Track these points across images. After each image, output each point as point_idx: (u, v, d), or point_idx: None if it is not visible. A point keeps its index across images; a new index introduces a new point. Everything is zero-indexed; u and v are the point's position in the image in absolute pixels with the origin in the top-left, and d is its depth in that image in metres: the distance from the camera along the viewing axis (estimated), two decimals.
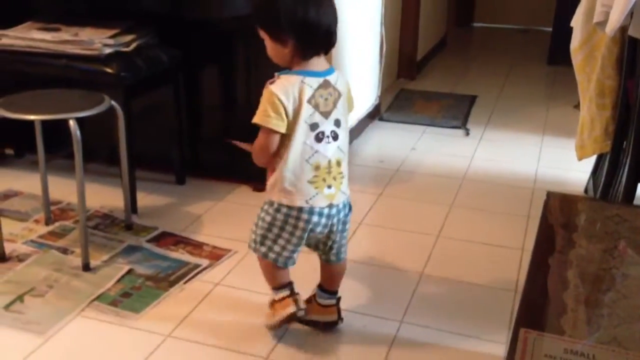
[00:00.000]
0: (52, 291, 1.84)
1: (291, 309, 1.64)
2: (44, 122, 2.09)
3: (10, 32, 2.25)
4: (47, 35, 2.19)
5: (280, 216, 1.57)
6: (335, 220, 1.60)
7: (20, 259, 2.00)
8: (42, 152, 2.18)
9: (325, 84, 1.52)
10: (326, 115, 1.53)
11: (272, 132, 1.49)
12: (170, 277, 1.94)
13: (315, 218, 1.56)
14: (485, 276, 2.01)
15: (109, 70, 2.15)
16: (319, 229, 1.58)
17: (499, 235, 2.26)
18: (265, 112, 1.48)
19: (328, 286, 1.73)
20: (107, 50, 2.15)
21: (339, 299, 1.74)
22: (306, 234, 1.58)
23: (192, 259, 2.04)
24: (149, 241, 2.14)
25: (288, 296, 1.65)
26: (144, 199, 2.41)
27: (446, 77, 4.33)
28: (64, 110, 1.87)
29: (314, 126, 1.52)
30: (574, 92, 2.47)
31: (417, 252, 2.14)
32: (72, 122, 1.85)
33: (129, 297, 1.84)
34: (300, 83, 1.48)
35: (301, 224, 1.56)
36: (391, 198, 2.55)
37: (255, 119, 1.50)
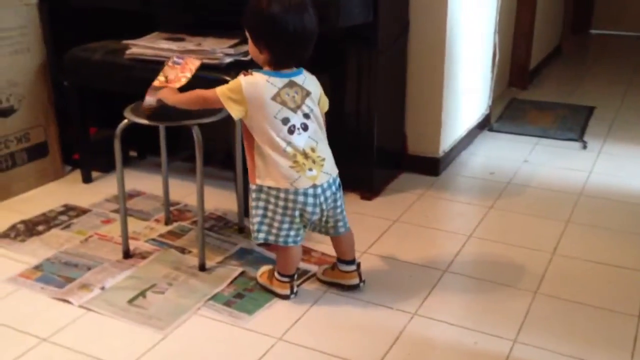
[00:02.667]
0: (172, 289, 1.94)
1: (286, 292, 1.88)
2: (166, 127, 2.21)
3: (139, 41, 2.40)
4: (173, 45, 2.31)
5: (271, 199, 1.76)
6: (322, 199, 1.78)
7: (143, 256, 2.12)
8: (165, 155, 2.30)
9: (290, 84, 1.73)
10: (295, 109, 1.73)
11: (217, 102, 1.73)
12: None
13: (301, 198, 1.74)
14: (605, 298, 1.90)
15: (228, 78, 2.22)
16: (309, 209, 1.76)
17: (621, 255, 2.13)
18: (225, 91, 1.72)
19: (344, 257, 1.93)
20: (227, 60, 2.24)
21: (358, 265, 1.94)
22: (297, 213, 1.76)
23: (302, 264, 2.07)
24: (260, 245, 2.20)
25: (288, 282, 1.88)
26: None
27: (561, 87, 4.15)
28: (187, 117, 1.95)
29: (285, 120, 1.72)
30: None
31: (531, 269, 2.06)
32: (195, 129, 1.93)
33: (242, 299, 1.90)
34: (264, 82, 1.70)
35: (290, 204, 1.75)
36: (503, 211, 2.47)
37: (217, 89, 1.73)
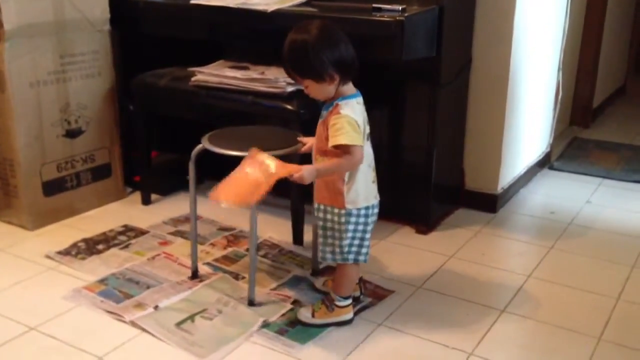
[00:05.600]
0: (220, 317, 1.92)
1: (349, 315, 1.90)
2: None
3: (205, 69, 2.46)
4: (237, 73, 2.36)
5: (362, 219, 1.81)
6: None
7: (201, 279, 2.13)
8: None
9: (362, 101, 1.81)
10: (366, 123, 1.80)
11: (359, 147, 1.71)
12: None
13: (377, 210, 1.85)
14: None
15: (289, 107, 2.26)
16: (376, 218, 1.87)
17: None
18: (350, 134, 1.68)
19: None
20: (290, 89, 2.27)
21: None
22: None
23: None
24: (313, 274, 2.19)
25: (350, 304, 1.90)
26: (309, 232, 2.47)
27: (625, 127, 4.03)
28: (265, 148, 1.84)
29: (368, 136, 1.80)
30: None
31: (594, 314, 1.98)
32: None
33: (294, 327, 1.88)
34: (356, 105, 1.75)
35: (374, 218, 1.84)
36: (563, 253, 2.39)
37: (344, 141, 1.68)
